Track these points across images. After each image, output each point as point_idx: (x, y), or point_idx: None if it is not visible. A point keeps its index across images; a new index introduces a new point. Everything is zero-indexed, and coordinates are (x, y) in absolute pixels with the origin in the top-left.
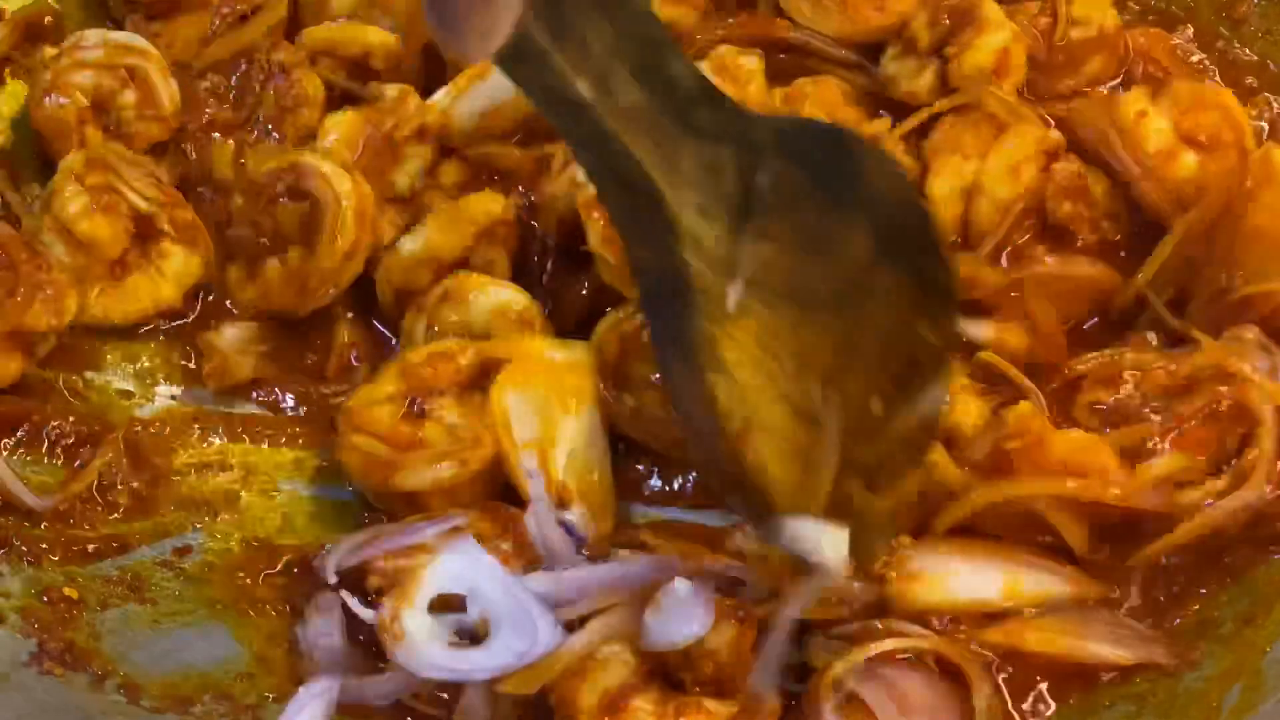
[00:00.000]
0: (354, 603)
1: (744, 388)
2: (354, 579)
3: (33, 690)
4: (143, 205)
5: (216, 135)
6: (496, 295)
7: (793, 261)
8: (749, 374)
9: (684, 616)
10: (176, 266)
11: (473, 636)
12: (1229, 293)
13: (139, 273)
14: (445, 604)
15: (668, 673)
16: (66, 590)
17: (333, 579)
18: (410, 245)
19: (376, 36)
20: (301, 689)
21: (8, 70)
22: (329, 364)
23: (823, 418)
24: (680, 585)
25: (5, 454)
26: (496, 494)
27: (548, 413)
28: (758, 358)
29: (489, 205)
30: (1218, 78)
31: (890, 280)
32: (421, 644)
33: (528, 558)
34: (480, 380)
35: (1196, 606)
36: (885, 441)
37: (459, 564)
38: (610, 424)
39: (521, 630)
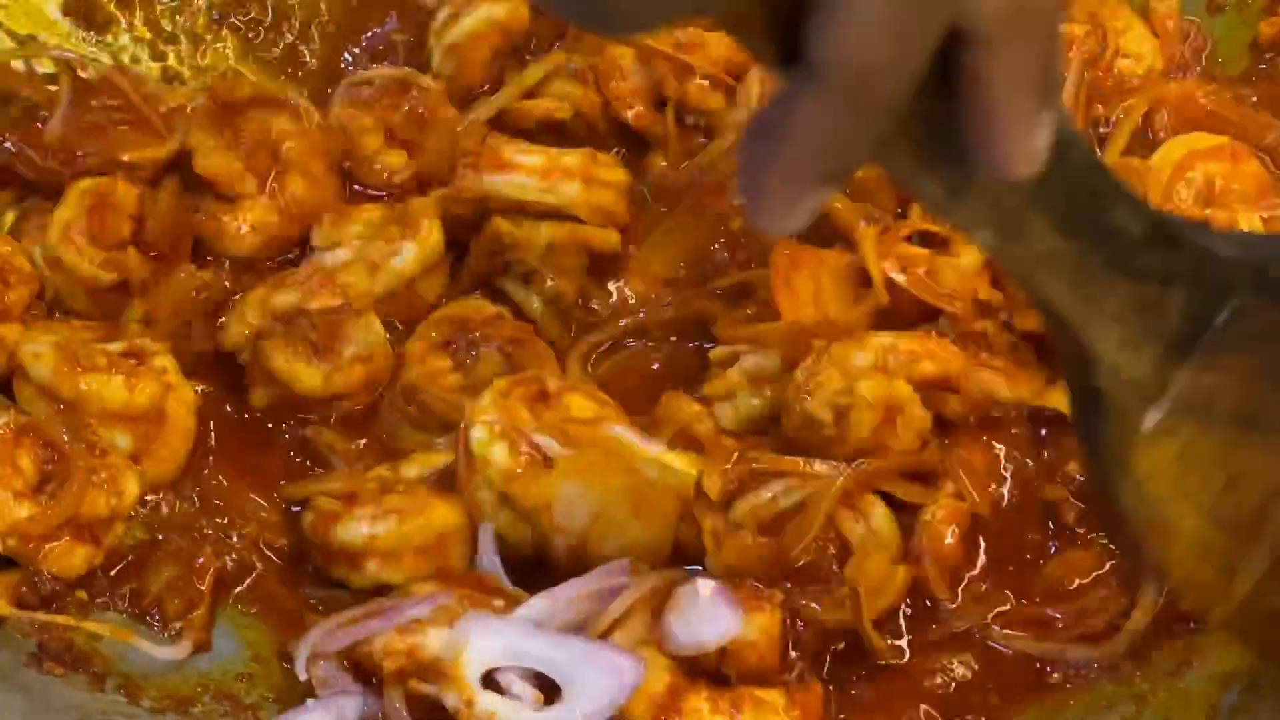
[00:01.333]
0: None
1: (1154, 496)
2: (348, 663)
3: (33, 690)
4: None
5: None
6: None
7: (1245, 389)
8: (1162, 486)
9: (712, 616)
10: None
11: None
12: None
13: None
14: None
15: (705, 670)
16: None
17: (303, 675)
18: None
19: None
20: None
21: None
22: None
23: (1255, 530)
24: (702, 585)
25: None
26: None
27: (607, 513)
28: (1177, 473)
29: None
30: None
31: None
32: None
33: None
34: None
35: None
36: None
37: (488, 639)
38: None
39: (600, 665)
